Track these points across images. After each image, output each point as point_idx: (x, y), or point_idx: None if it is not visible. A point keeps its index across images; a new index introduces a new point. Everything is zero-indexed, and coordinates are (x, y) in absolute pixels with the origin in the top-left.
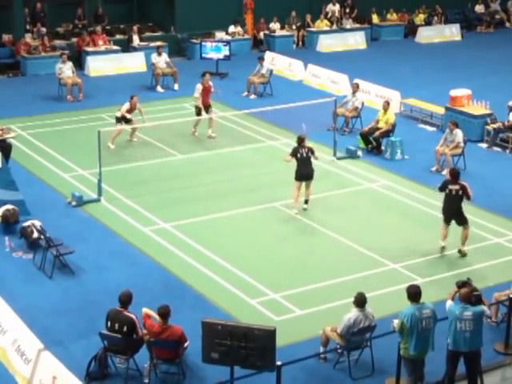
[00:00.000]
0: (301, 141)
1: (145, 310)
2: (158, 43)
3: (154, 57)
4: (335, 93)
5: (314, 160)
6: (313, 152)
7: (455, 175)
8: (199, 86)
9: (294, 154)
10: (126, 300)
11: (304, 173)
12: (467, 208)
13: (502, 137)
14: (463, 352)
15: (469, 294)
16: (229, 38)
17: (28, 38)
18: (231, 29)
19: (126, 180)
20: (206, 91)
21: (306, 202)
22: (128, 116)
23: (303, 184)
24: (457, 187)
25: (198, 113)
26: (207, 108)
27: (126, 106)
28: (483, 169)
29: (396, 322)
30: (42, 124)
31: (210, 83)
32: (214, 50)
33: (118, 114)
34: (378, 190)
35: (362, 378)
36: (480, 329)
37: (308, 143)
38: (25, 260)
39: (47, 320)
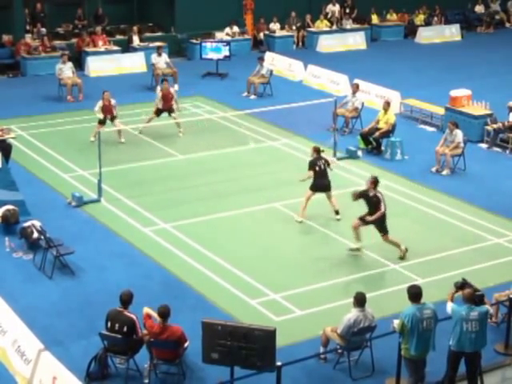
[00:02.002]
0: (318, 152)
1: (146, 309)
2: (158, 43)
3: (154, 57)
4: (335, 93)
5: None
6: (329, 164)
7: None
8: (159, 93)
9: (313, 166)
10: (126, 299)
11: (322, 184)
12: (466, 208)
13: (502, 137)
14: (466, 353)
15: (472, 294)
16: (229, 38)
17: (28, 38)
18: (227, 30)
19: (126, 180)
20: (165, 97)
21: (337, 212)
22: (100, 116)
23: (315, 197)
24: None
25: (156, 112)
26: (170, 111)
27: (99, 103)
28: (483, 169)
29: (396, 323)
30: (42, 124)
31: (171, 90)
32: (213, 50)
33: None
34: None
35: (362, 378)
36: (485, 329)
37: (308, 144)
38: (25, 260)
39: (47, 320)
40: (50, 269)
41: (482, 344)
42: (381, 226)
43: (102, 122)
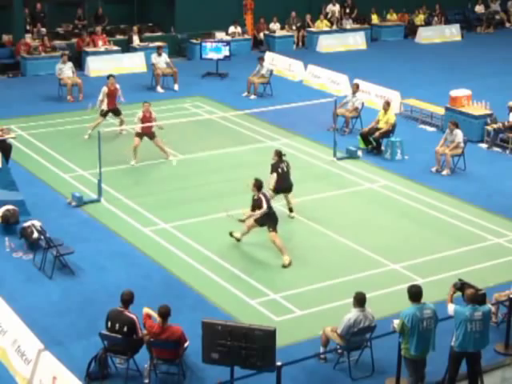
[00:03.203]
0: (280, 155)
1: (146, 309)
2: (158, 43)
3: (154, 57)
4: (335, 93)
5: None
6: (289, 167)
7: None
8: (104, 89)
9: (276, 169)
10: (127, 299)
11: (285, 186)
12: (466, 208)
13: (502, 137)
14: (469, 352)
15: (475, 294)
16: (229, 38)
17: (28, 38)
18: (231, 29)
19: (126, 180)
20: (111, 94)
21: (291, 210)
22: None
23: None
24: None
25: (103, 114)
26: (115, 112)
27: (139, 115)
28: (483, 169)
29: (396, 323)
30: (42, 124)
31: (116, 86)
32: (213, 50)
33: (138, 130)
34: (378, 191)
35: (362, 378)
36: (488, 328)
37: (308, 144)
38: (25, 260)
39: (47, 320)
40: (50, 269)
41: (485, 343)
42: (268, 223)
43: (139, 136)
